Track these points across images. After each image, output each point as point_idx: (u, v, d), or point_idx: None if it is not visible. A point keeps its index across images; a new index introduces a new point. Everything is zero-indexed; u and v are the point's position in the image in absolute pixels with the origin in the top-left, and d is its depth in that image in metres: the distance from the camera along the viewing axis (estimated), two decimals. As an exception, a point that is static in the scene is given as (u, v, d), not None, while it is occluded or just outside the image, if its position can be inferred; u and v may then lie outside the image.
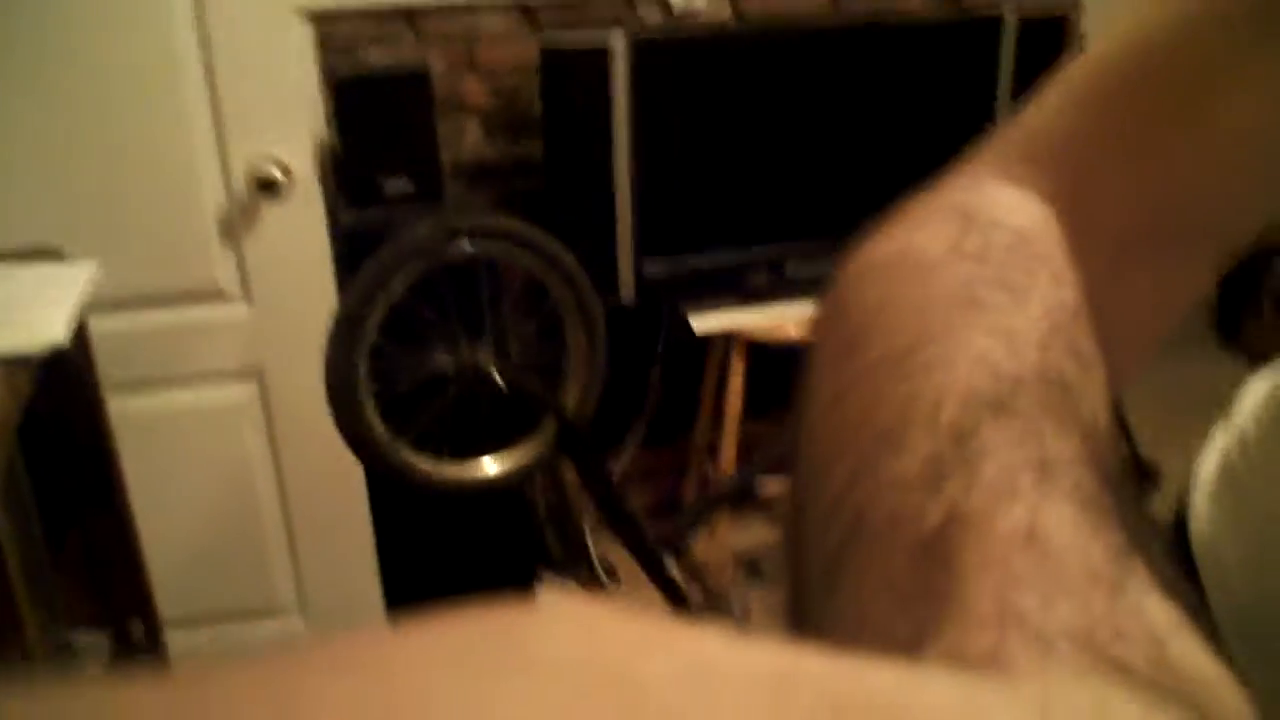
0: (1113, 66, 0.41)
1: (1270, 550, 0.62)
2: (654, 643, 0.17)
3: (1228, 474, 0.67)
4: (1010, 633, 0.22)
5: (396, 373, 1.96)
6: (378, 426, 1.90)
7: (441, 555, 2.55)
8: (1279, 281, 3.55)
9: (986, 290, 0.33)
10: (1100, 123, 0.41)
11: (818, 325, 0.37)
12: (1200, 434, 0.71)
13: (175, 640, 1.99)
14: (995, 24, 2.71)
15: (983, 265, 0.34)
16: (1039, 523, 0.24)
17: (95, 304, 1.73)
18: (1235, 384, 0.71)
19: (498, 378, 1.99)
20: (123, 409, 1.89)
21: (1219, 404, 0.71)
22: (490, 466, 2.04)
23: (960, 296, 0.33)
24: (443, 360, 2.00)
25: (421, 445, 2.00)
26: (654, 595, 2.41)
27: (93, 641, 1.70)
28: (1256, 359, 0.57)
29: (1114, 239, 0.39)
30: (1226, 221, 0.41)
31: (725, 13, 2.76)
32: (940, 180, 0.42)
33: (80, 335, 1.68)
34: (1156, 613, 0.22)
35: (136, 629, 1.76)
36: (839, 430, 0.31)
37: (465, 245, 1.92)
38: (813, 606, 0.28)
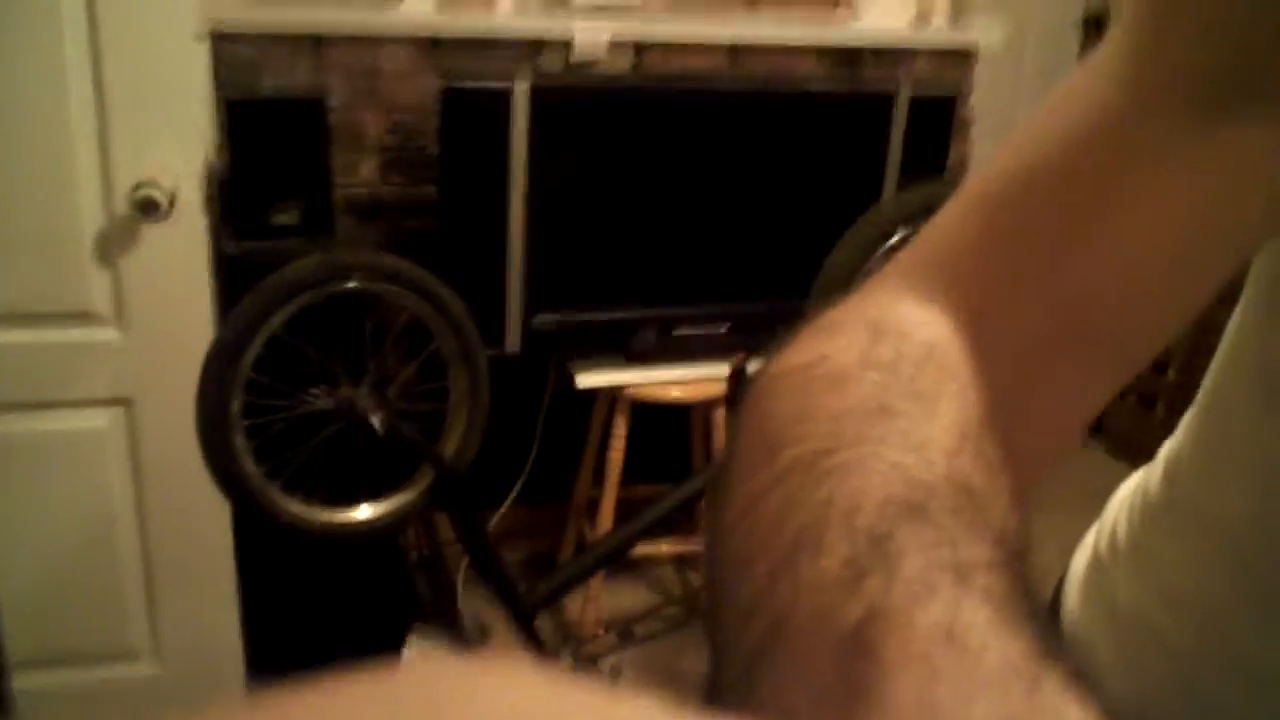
0: (1011, 183, 0.43)
1: (1139, 653, 0.62)
2: (591, 711, 0.17)
3: (1098, 573, 0.68)
4: None
5: (271, 410, 1.89)
6: (249, 465, 1.83)
7: (308, 603, 2.47)
8: (1143, 374, 3.67)
9: (897, 399, 0.34)
10: (999, 239, 0.42)
11: (734, 431, 0.38)
12: (1069, 528, 0.72)
13: (22, 682, 1.87)
14: (888, 101, 2.77)
15: (893, 375, 0.35)
16: (958, 620, 0.25)
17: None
18: (1104, 475, 0.71)
19: (376, 422, 1.93)
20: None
21: (1087, 495, 0.72)
22: (363, 512, 1.98)
23: (872, 405, 0.34)
24: (320, 400, 1.94)
25: (293, 487, 1.93)
26: (523, 655, 2.36)
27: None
28: (1122, 450, 0.57)
29: (1017, 350, 0.40)
30: (1130, 334, 0.42)
31: (625, 65, 2.76)
32: (849, 291, 0.43)
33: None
34: (1073, 713, 0.23)
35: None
36: (755, 533, 0.31)
37: (352, 282, 1.87)
38: (733, 702, 0.28)
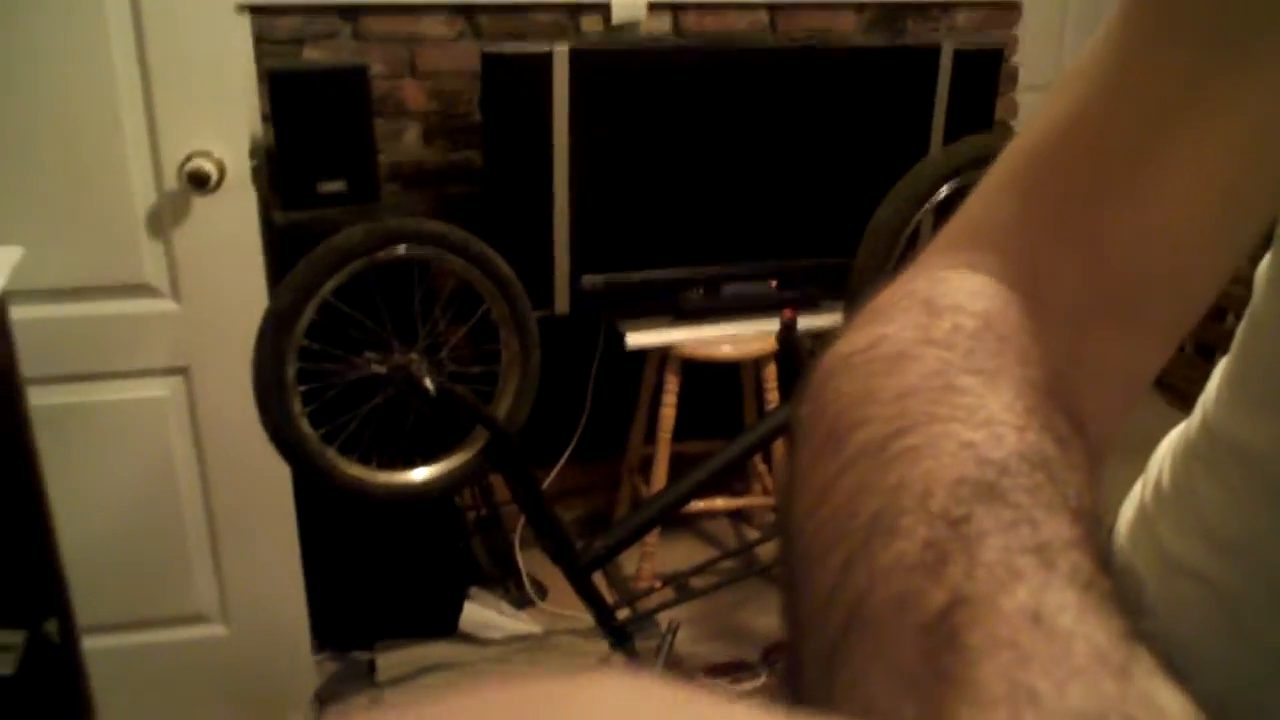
0: (1048, 148, 0.43)
1: (1187, 597, 0.63)
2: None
3: (1143, 521, 0.68)
4: (1025, 712, 0.22)
5: (327, 376, 1.92)
6: (306, 429, 1.86)
7: (368, 565, 2.51)
8: (1200, 323, 3.62)
9: (958, 375, 0.33)
10: (1040, 205, 0.42)
11: (798, 420, 0.38)
12: (1128, 477, 0.71)
13: (92, 645, 1.92)
14: (933, 54, 2.75)
15: (952, 351, 0.35)
16: (1044, 603, 0.24)
17: (17, 293, 1.68)
18: (1164, 425, 0.71)
19: (429, 384, 1.95)
20: (42, 403, 1.83)
21: (1148, 446, 0.72)
22: (419, 474, 2.01)
23: (935, 383, 0.33)
24: (374, 365, 1.96)
25: (350, 450, 1.96)
26: (582, 611, 2.39)
27: (6, 641, 1.63)
28: (1181, 400, 0.57)
29: (1070, 314, 0.40)
30: (1181, 286, 0.42)
31: (665, 28, 2.76)
32: (902, 272, 0.43)
33: (1, 323, 1.62)
34: (1167, 700, 0.22)
35: (52, 631, 1.70)
36: (828, 521, 0.31)
37: (400, 249, 1.89)
38: (815, 694, 0.28)
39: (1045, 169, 0.42)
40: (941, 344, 0.36)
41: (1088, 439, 0.34)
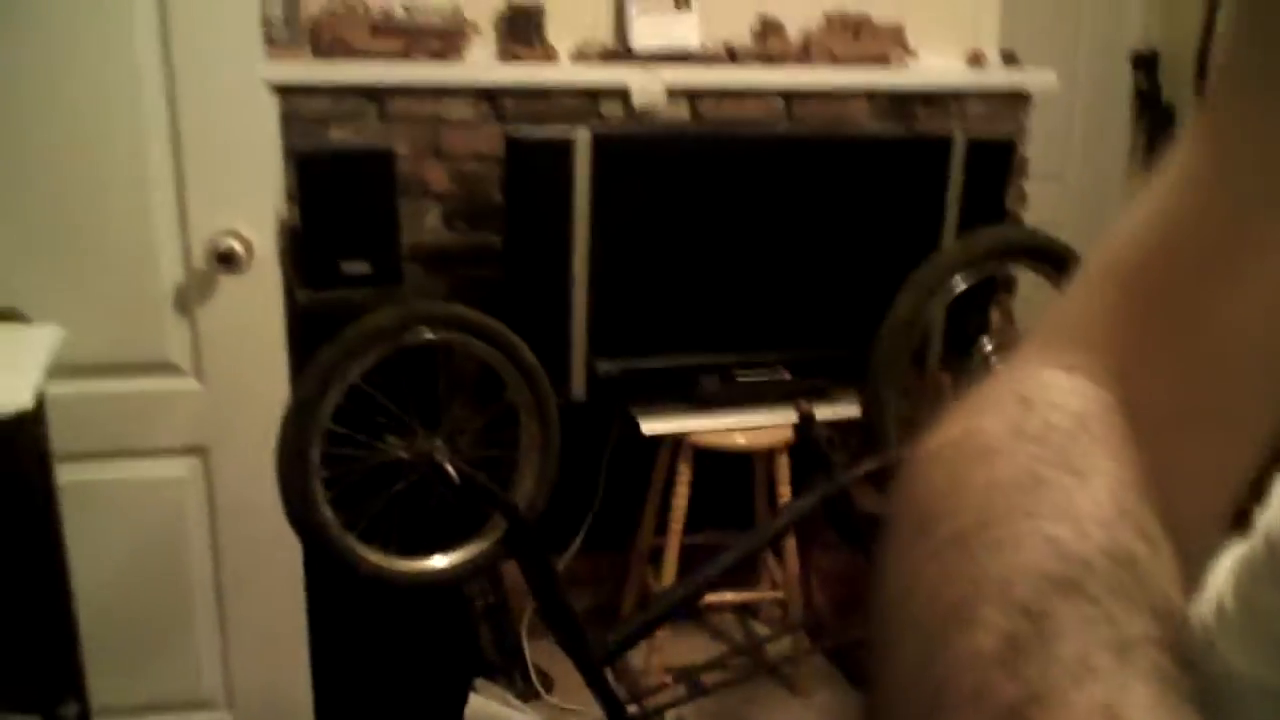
0: (1135, 247, 0.42)
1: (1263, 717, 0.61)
2: None
3: (1205, 637, 0.67)
4: None
5: (349, 460, 1.89)
6: (328, 514, 1.83)
7: (375, 654, 2.46)
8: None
9: (1049, 470, 0.34)
10: (1133, 307, 0.41)
11: (892, 508, 0.38)
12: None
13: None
14: (945, 144, 2.77)
15: (1044, 447, 0.35)
16: (1118, 701, 0.24)
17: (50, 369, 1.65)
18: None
19: (451, 470, 1.92)
20: (64, 480, 1.80)
21: None
22: (439, 561, 1.97)
23: (1024, 478, 0.33)
24: (398, 450, 1.93)
25: (368, 537, 1.92)
26: (589, 705, 2.34)
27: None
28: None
29: (1162, 417, 0.39)
30: (1268, 389, 0.41)
31: (683, 114, 2.78)
32: (998, 369, 0.43)
33: (38, 400, 1.59)
34: None
35: (70, 715, 1.64)
36: (911, 609, 0.31)
37: (426, 333, 1.88)
38: None
39: (1137, 269, 0.42)
40: (1034, 439, 0.36)
41: (1179, 542, 0.34)
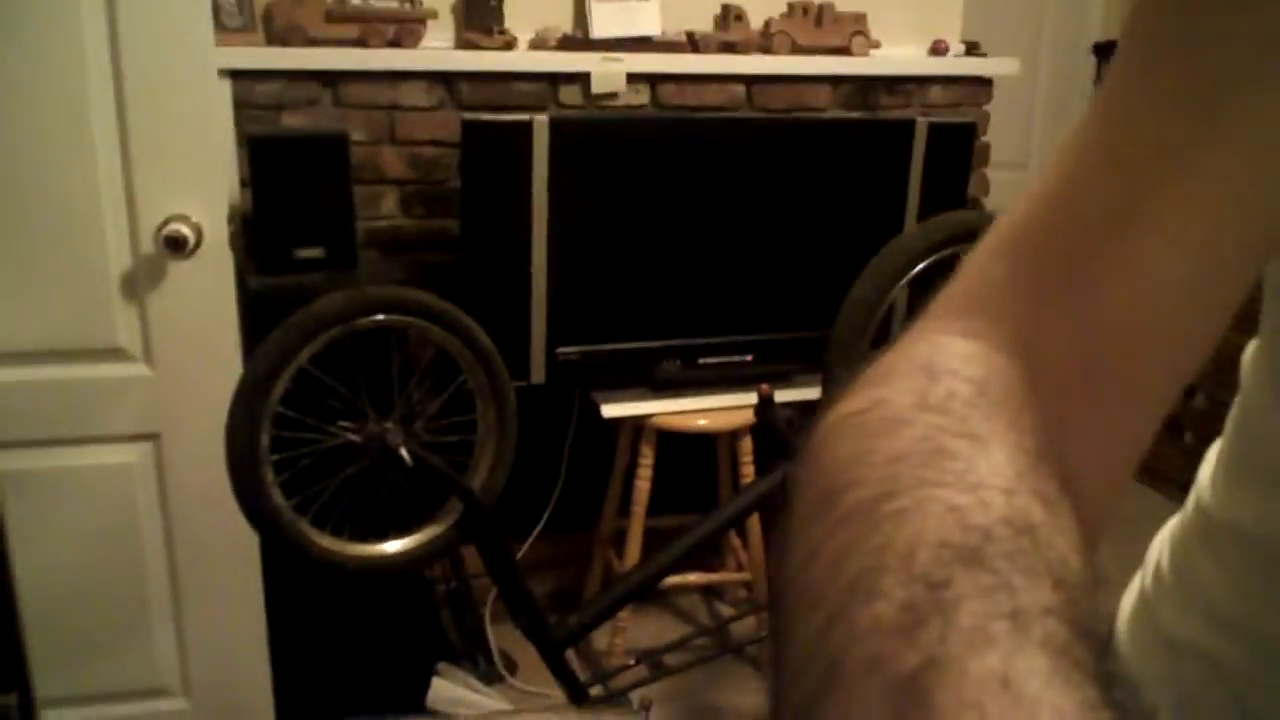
0: (1036, 216, 0.44)
1: (1194, 682, 0.64)
2: None
3: (1145, 610, 0.69)
4: None
5: (300, 445, 1.88)
6: (279, 499, 1.82)
7: (334, 639, 2.46)
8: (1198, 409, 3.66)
9: (951, 440, 0.34)
10: (1029, 272, 0.43)
11: (794, 480, 0.38)
12: (1120, 567, 0.72)
13: (50, 718, 1.86)
14: (907, 128, 2.78)
15: (946, 416, 0.36)
16: (1013, 669, 0.24)
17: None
18: (1135, 502, 0.73)
19: (405, 454, 1.92)
20: (6, 468, 1.79)
21: (1117, 523, 0.74)
22: (393, 547, 1.97)
23: (927, 448, 0.34)
24: (349, 433, 1.93)
25: (321, 522, 1.92)
26: (553, 687, 2.34)
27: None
28: (1151, 477, 0.58)
29: (1059, 383, 0.40)
30: (1165, 358, 0.42)
31: (644, 100, 2.78)
32: (898, 338, 0.44)
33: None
34: None
35: (11, 705, 1.64)
36: (813, 581, 0.31)
37: (380, 317, 1.87)
38: None
39: (1034, 237, 0.43)
40: (936, 409, 0.36)
41: (1078, 504, 0.34)
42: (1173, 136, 0.40)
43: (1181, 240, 0.40)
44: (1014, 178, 3.29)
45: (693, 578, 2.88)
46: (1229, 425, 0.61)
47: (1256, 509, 0.59)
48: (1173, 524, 0.69)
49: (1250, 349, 0.58)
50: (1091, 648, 0.26)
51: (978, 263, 0.45)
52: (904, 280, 2.19)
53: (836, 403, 0.40)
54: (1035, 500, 0.32)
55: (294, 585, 2.30)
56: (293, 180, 2.22)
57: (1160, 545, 0.69)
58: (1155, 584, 0.68)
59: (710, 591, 3.18)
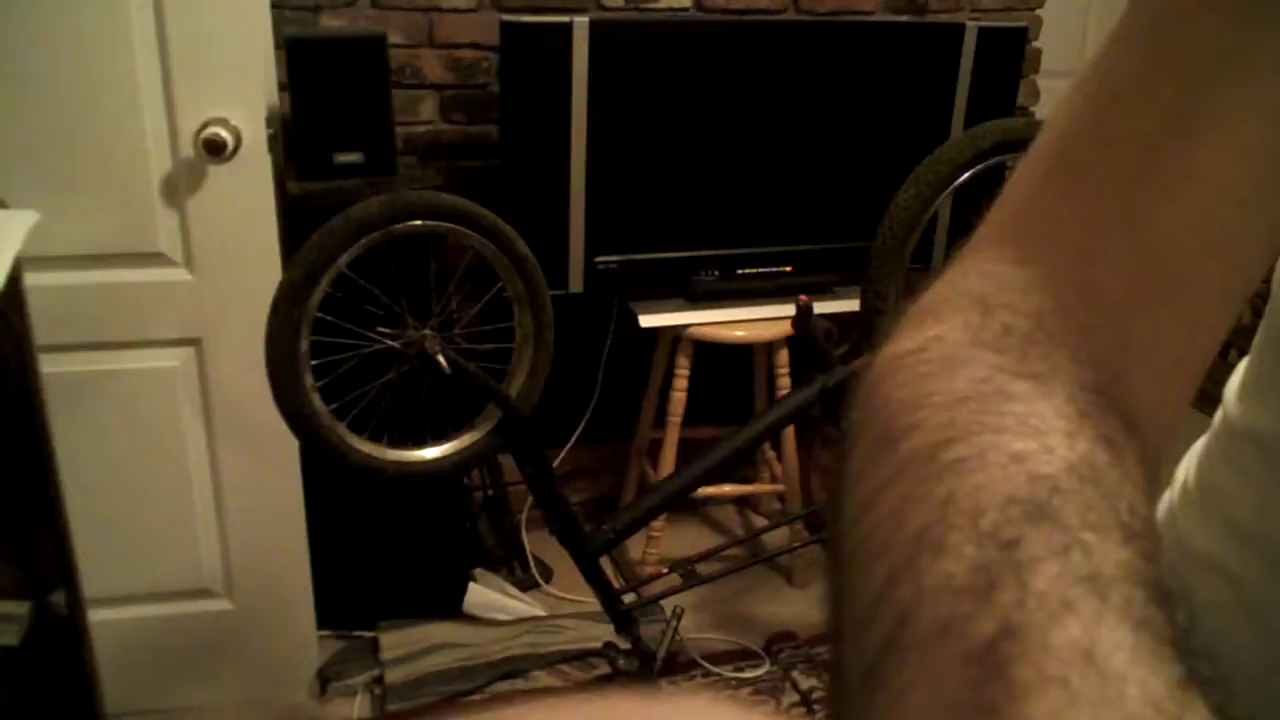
0: (1086, 131, 0.42)
1: (1208, 590, 0.63)
2: None
3: (1170, 520, 0.69)
4: None
5: (339, 350, 1.89)
6: (318, 404, 1.83)
7: (373, 544, 2.49)
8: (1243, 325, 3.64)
9: (1009, 380, 0.33)
10: (1084, 191, 0.41)
11: (849, 425, 0.37)
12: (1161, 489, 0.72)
13: (96, 617, 1.90)
14: (956, 32, 2.72)
15: (1004, 355, 0.35)
16: (1098, 642, 0.24)
17: (29, 259, 1.65)
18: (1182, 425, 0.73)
19: (443, 361, 1.92)
20: (51, 371, 1.80)
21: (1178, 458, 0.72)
22: (430, 453, 1.98)
23: (986, 389, 0.33)
24: (387, 340, 1.93)
25: (360, 427, 1.93)
26: (588, 595, 2.37)
27: (11, 612, 1.61)
28: (1199, 399, 0.58)
29: (1119, 304, 0.39)
30: (1226, 270, 0.40)
31: (687, 1, 2.73)
32: (946, 267, 0.42)
33: (15, 288, 1.59)
34: None
35: (59, 603, 1.67)
36: (875, 529, 0.30)
37: (418, 223, 1.86)
38: (854, 701, 0.27)
39: (1086, 153, 0.41)
40: (993, 347, 0.35)
41: (1142, 436, 0.33)
42: (1232, 37, 0.38)
43: (1241, 146, 0.38)
44: (1065, 87, 3.22)
45: (727, 489, 2.89)
46: (1257, 339, 0.61)
47: (1277, 418, 0.58)
48: (1201, 441, 0.69)
49: None
50: (1167, 610, 0.25)
51: (1024, 184, 0.44)
52: (949, 189, 2.16)
53: (889, 340, 0.39)
54: (1099, 443, 0.31)
55: (334, 491, 2.33)
56: (331, 83, 2.20)
57: (1188, 461, 0.69)
58: (1181, 498, 0.68)
59: (744, 502, 3.19)
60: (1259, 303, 0.59)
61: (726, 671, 2.53)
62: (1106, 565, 0.26)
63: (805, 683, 2.50)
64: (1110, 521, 0.28)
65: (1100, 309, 0.39)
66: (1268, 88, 0.38)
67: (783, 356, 2.71)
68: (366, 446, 1.91)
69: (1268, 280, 0.58)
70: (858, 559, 0.30)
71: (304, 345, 1.78)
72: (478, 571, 2.69)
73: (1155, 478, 0.34)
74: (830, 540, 0.34)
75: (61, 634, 1.72)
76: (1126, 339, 0.39)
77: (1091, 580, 0.25)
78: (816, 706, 2.44)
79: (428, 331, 1.94)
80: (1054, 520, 0.27)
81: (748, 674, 2.54)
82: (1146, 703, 0.22)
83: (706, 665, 2.54)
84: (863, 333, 2.25)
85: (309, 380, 1.81)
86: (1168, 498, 0.71)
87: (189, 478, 2.13)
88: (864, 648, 0.27)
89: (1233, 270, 0.41)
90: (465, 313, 2.14)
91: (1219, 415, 0.66)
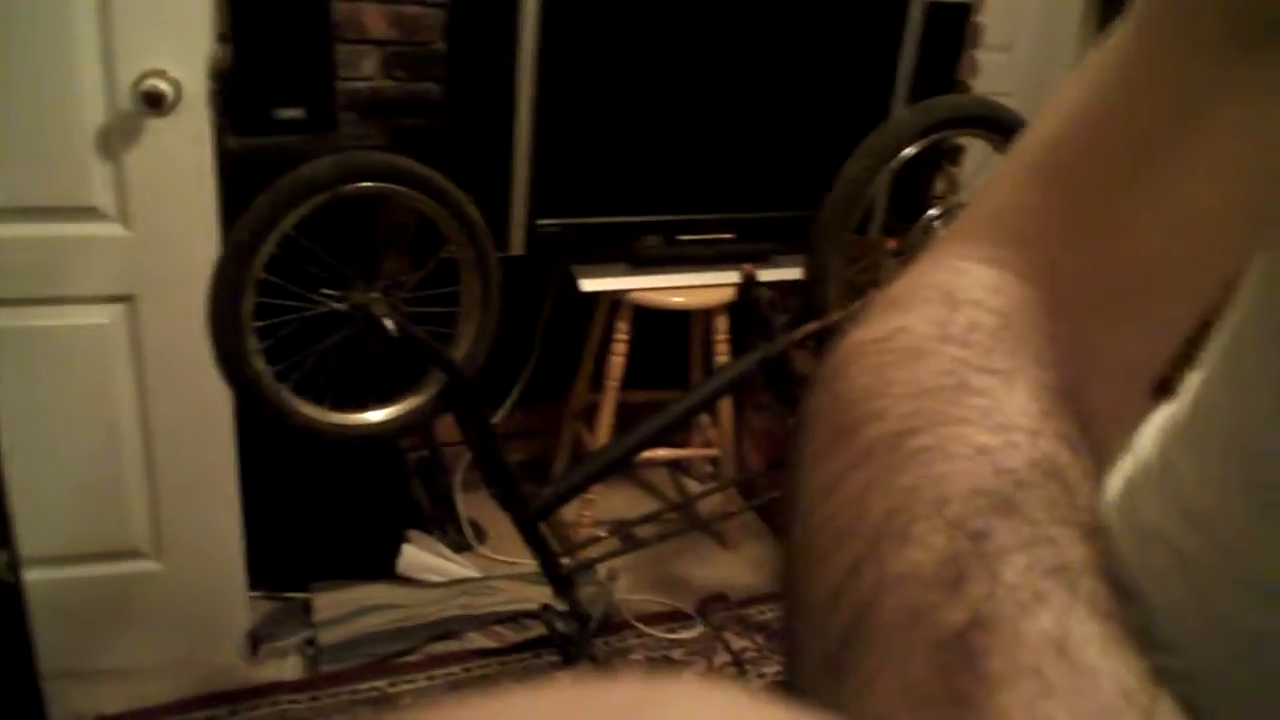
0: (1071, 136, 0.42)
1: (1160, 570, 0.64)
2: None
3: (1128, 496, 0.70)
4: None
5: (282, 312, 1.85)
6: (260, 366, 1.80)
7: (305, 505, 2.46)
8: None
9: (974, 375, 0.33)
10: (1063, 195, 0.41)
11: (808, 407, 0.37)
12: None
13: (28, 577, 1.85)
14: (901, 5, 2.72)
15: (969, 349, 0.35)
16: (1069, 634, 0.24)
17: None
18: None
19: (389, 324, 1.89)
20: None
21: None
22: (374, 416, 1.96)
23: (949, 382, 0.33)
24: (333, 303, 1.90)
25: (303, 390, 1.90)
26: (521, 556, 2.37)
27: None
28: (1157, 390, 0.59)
29: (1083, 307, 0.40)
30: (1192, 282, 0.41)
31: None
32: (919, 258, 0.43)
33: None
34: None
35: (1, 564, 1.63)
36: (836, 515, 0.30)
37: (367, 183, 1.83)
38: (815, 691, 0.27)
39: (1070, 160, 0.42)
40: (958, 341, 0.35)
41: (1096, 438, 0.34)
42: (1225, 59, 0.39)
43: (1224, 165, 0.39)
44: (1002, 60, 3.24)
45: (661, 453, 2.90)
46: (1223, 324, 0.61)
47: (1239, 403, 0.59)
48: (1163, 414, 0.69)
49: None
50: (1126, 606, 0.26)
51: (1005, 183, 0.44)
52: (894, 163, 2.17)
53: (853, 328, 0.39)
54: (1060, 442, 0.31)
55: (267, 452, 2.30)
56: (272, 38, 2.15)
57: (1150, 433, 0.70)
58: (1141, 471, 0.69)
59: (677, 467, 3.21)
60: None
61: (660, 633, 2.55)
62: (1072, 559, 0.26)
63: (737, 643, 2.53)
64: (1071, 518, 0.28)
65: (1067, 314, 0.39)
66: (1256, 109, 0.39)
67: (721, 323, 2.72)
68: (309, 409, 1.89)
69: None
70: (817, 544, 0.30)
71: (248, 306, 1.75)
72: (412, 533, 2.67)
73: (1103, 474, 0.36)
74: (785, 522, 0.34)
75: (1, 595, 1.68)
76: (1090, 345, 0.39)
77: (1060, 573, 0.25)
78: (748, 666, 2.47)
79: (374, 294, 1.91)
80: (1020, 513, 0.27)
81: (681, 635, 2.56)
82: (1119, 694, 0.22)
83: (640, 627, 2.56)
84: (804, 302, 2.26)
85: (252, 342, 1.78)
86: (1128, 467, 0.72)
87: (119, 437, 2.08)
88: (825, 634, 0.27)
89: (1200, 283, 0.42)
90: (411, 276, 2.11)
91: (1182, 394, 0.67)
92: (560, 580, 2.17)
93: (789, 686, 0.29)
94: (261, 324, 1.79)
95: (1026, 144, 0.44)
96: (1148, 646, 0.25)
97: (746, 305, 2.32)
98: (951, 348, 0.35)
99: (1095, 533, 0.28)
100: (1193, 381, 0.65)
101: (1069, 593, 0.25)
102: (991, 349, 0.35)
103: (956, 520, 0.27)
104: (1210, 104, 0.39)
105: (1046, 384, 0.34)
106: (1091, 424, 0.34)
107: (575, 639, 2.14)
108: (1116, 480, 0.73)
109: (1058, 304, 0.39)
